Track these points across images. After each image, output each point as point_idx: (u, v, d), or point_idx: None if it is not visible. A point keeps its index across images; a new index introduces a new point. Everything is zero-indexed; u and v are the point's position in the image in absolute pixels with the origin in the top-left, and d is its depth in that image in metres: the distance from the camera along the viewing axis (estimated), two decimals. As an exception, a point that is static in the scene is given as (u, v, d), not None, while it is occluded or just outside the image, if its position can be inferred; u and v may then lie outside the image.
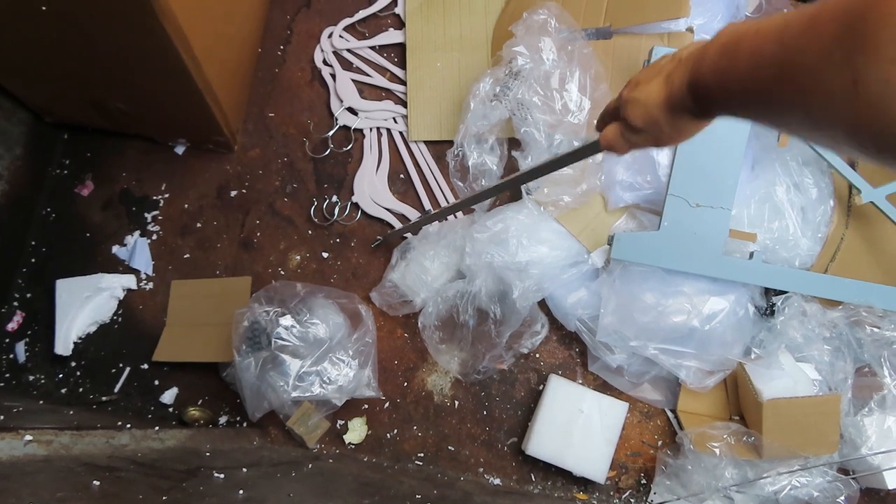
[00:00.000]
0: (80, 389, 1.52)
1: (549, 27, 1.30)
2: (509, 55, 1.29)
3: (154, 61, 1.22)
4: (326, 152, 1.56)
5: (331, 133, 1.56)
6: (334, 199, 1.54)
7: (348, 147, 1.56)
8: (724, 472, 1.23)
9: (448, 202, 1.50)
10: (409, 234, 1.45)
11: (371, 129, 1.55)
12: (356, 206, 1.52)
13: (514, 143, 1.35)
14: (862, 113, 0.37)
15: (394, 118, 1.55)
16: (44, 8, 1.10)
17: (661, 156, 1.33)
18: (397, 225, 1.50)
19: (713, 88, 0.55)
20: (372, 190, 1.52)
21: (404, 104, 1.54)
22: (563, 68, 1.28)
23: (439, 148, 1.52)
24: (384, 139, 1.54)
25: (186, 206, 1.59)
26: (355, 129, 1.55)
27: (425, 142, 1.53)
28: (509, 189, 1.14)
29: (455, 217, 1.49)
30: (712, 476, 1.23)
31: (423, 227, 1.40)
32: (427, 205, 1.51)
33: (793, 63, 0.42)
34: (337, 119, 1.55)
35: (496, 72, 1.31)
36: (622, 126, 0.69)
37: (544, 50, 1.27)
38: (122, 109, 1.45)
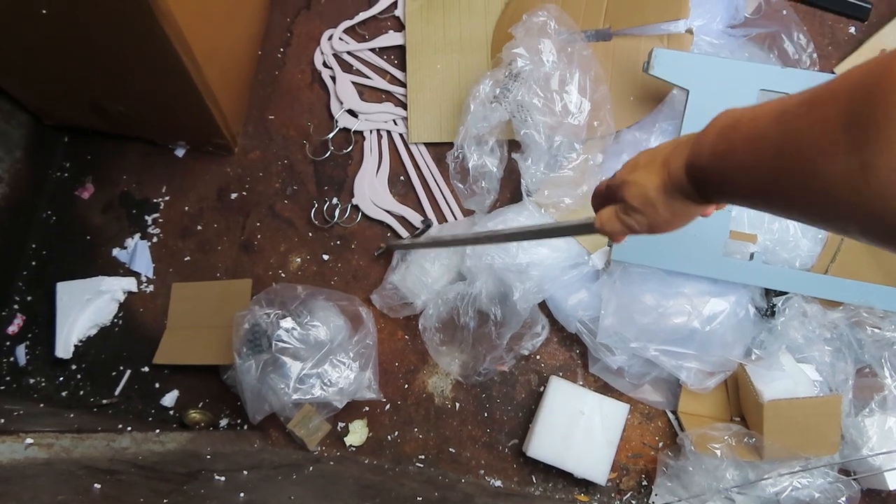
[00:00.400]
0: (81, 392, 1.52)
1: (548, 29, 1.30)
2: (509, 57, 1.29)
3: (154, 64, 1.22)
4: (326, 154, 1.56)
5: (331, 135, 1.56)
6: (334, 201, 1.54)
7: (348, 149, 1.56)
8: (725, 473, 1.23)
9: (448, 204, 1.50)
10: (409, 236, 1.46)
11: (371, 132, 1.55)
12: (356, 208, 1.52)
13: (514, 145, 1.36)
14: (872, 201, 0.36)
15: (394, 120, 1.55)
16: (44, 11, 1.10)
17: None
18: (398, 227, 1.50)
19: (710, 173, 0.54)
20: (372, 192, 1.52)
21: (404, 106, 1.54)
22: (563, 70, 1.28)
23: (439, 150, 1.52)
24: (384, 141, 1.54)
25: (187, 208, 1.59)
26: (355, 132, 1.56)
27: (425, 144, 1.53)
28: (503, 241, 1.17)
29: (455, 218, 1.49)
30: (713, 477, 1.23)
31: (423, 237, 1.40)
32: (427, 206, 1.51)
33: (792, 148, 0.41)
34: (337, 121, 1.55)
35: (496, 73, 1.31)
36: (619, 208, 0.68)
37: (544, 52, 1.27)
38: (122, 112, 1.45)
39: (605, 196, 0.71)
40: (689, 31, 1.33)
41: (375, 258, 1.51)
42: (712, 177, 0.54)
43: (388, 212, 1.51)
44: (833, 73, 1.43)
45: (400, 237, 1.50)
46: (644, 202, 0.63)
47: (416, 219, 1.50)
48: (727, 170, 0.51)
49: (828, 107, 0.38)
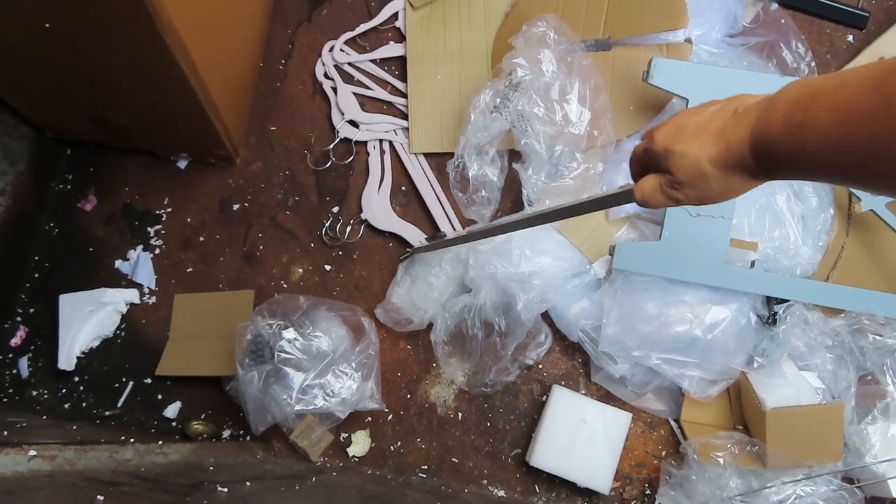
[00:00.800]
0: (84, 404, 1.53)
1: (548, 39, 1.30)
2: (509, 67, 1.30)
3: (157, 77, 1.23)
4: (328, 165, 1.56)
5: (332, 146, 1.56)
6: (340, 217, 1.54)
7: (349, 159, 1.56)
8: (728, 481, 1.22)
9: (448, 214, 1.50)
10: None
11: (374, 147, 1.55)
12: (364, 222, 1.52)
13: (515, 155, 1.36)
14: None
15: (395, 130, 1.56)
16: (47, 25, 1.11)
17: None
18: (407, 237, 1.50)
19: (784, 148, 0.50)
20: (379, 208, 1.52)
21: (405, 117, 1.55)
22: (563, 80, 1.29)
23: (440, 160, 1.53)
24: (387, 156, 1.55)
25: (189, 219, 1.59)
26: (357, 142, 1.56)
27: (426, 154, 1.54)
28: (531, 226, 1.11)
29: (454, 229, 1.49)
30: (717, 486, 1.22)
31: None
32: (432, 217, 1.51)
33: None
34: (338, 132, 1.56)
35: (496, 84, 1.32)
36: (664, 179, 0.63)
37: (544, 62, 1.28)
38: (124, 124, 1.45)
39: (645, 162, 0.66)
40: (688, 41, 1.34)
41: (377, 267, 1.51)
42: (787, 152, 0.50)
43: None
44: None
45: (409, 245, 1.49)
46: (696, 176, 0.59)
47: (417, 234, 1.50)
48: (807, 144, 0.48)
49: None
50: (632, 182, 0.70)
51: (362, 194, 1.54)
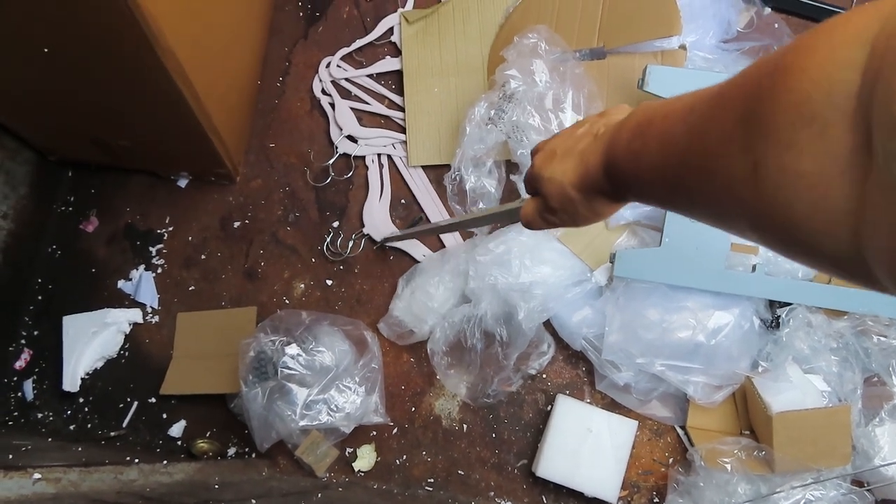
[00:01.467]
0: (89, 425, 1.53)
1: (539, 50, 1.31)
2: (502, 79, 1.30)
3: (155, 99, 1.23)
4: (327, 180, 1.57)
5: (331, 161, 1.57)
6: (341, 232, 1.54)
7: (349, 174, 1.57)
8: (736, 487, 1.22)
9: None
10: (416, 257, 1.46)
11: (373, 161, 1.56)
12: (364, 236, 1.53)
13: (512, 166, 1.37)
14: (762, 202, 0.34)
15: (393, 144, 1.56)
16: (46, 50, 1.12)
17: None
18: (409, 250, 1.50)
19: (626, 171, 0.50)
20: (381, 222, 1.52)
21: (403, 130, 1.55)
22: (557, 89, 1.29)
23: (438, 172, 1.53)
24: (385, 169, 1.55)
25: (190, 238, 1.60)
26: (355, 157, 1.57)
27: (424, 166, 1.54)
28: (456, 230, 1.24)
29: (454, 239, 1.50)
30: (725, 492, 1.22)
31: (418, 237, 1.44)
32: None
33: (697, 146, 0.40)
34: (337, 147, 1.57)
35: (490, 96, 1.32)
36: (540, 205, 0.63)
37: (536, 72, 1.29)
38: (125, 146, 1.46)
39: (531, 183, 0.66)
40: (683, 48, 1.34)
41: (379, 281, 1.51)
42: (630, 178, 0.50)
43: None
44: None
45: (413, 259, 1.50)
46: (564, 201, 0.59)
47: (419, 247, 1.50)
48: (641, 170, 0.48)
49: (728, 104, 0.37)
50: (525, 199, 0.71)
51: (363, 209, 1.54)
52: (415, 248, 1.50)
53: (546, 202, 0.62)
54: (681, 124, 0.42)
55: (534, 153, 0.66)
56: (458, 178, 1.35)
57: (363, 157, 1.57)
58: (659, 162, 0.45)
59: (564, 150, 0.59)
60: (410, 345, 1.47)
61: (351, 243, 1.53)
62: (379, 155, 1.56)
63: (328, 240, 1.54)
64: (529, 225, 0.67)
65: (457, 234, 1.51)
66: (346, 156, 1.57)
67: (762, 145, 0.33)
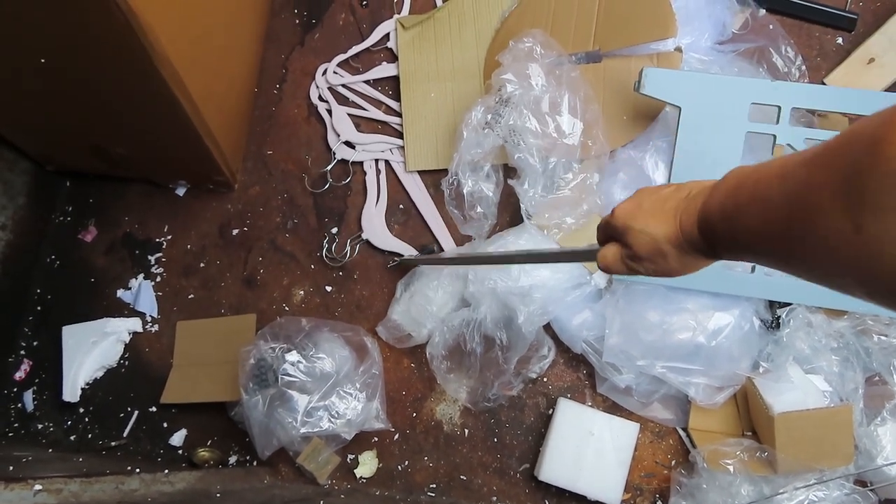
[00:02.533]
0: (89, 436, 1.52)
1: (534, 54, 1.31)
2: (498, 83, 1.31)
3: (153, 107, 1.24)
4: (325, 187, 1.57)
5: (329, 167, 1.57)
6: (338, 238, 1.54)
7: (347, 180, 1.57)
8: (739, 489, 1.21)
9: (446, 231, 1.51)
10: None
11: (371, 167, 1.56)
12: (362, 240, 1.53)
13: (510, 171, 1.36)
14: (868, 261, 0.37)
15: (391, 149, 1.56)
16: (43, 61, 1.12)
17: (657, 174, 1.34)
18: (406, 255, 1.50)
19: (721, 233, 0.54)
20: (379, 226, 1.52)
21: (401, 135, 1.55)
22: (553, 92, 1.29)
23: (436, 176, 1.53)
24: (383, 175, 1.55)
25: (189, 246, 1.60)
26: (353, 162, 1.57)
27: (421, 171, 1.54)
28: (507, 263, 1.22)
29: (451, 243, 1.49)
30: (728, 494, 1.21)
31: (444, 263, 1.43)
32: (429, 232, 1.51)
33: (798, 212, 0.43)
34: (335, 153, 1.57)
35: (487, 100, 1.32)
36: (625, 253, 0.67)
37: (532, 76, 1.29)
38: (122, 154, 1.46)
39: (607, 232, 0.70)
40: (678, 50, 1.35)
41: (378, 287, 1.51)
42: (724, 237, 0.54)
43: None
44: (823, 83, 1.44)
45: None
46: (655, 253, 0.63)
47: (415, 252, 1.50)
48: (737, 231, 0.52)
49: (825, 170, 0.40)
50: (597, 245, 0.75)
51: (361, 214, 1.54)
52: (411, 252, 1.50)
53: (632, 251, 0.65)
54: (776, 190, 0.45)
55: (612, 218, 0.69)
56: (455, 183, 1.35)
57: (361, 163, 1.57)
58: (757, 226, 0.48)
59: (652, 205, 0.64)
60: (411, 350, 1.47)
61: (347, 248, 1.53)
62: (377, 160, 1.56)
63: (326, 246, 1.54)
64: (608, 269, 0.70)
65: (449, 236, 1.50)
66: (343, 162, 1.57)
67: (864, 210, 0.36)
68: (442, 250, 1.50)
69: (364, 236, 1.52)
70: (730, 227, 0.53)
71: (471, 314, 1.35)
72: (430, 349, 1.40)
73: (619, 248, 0.68)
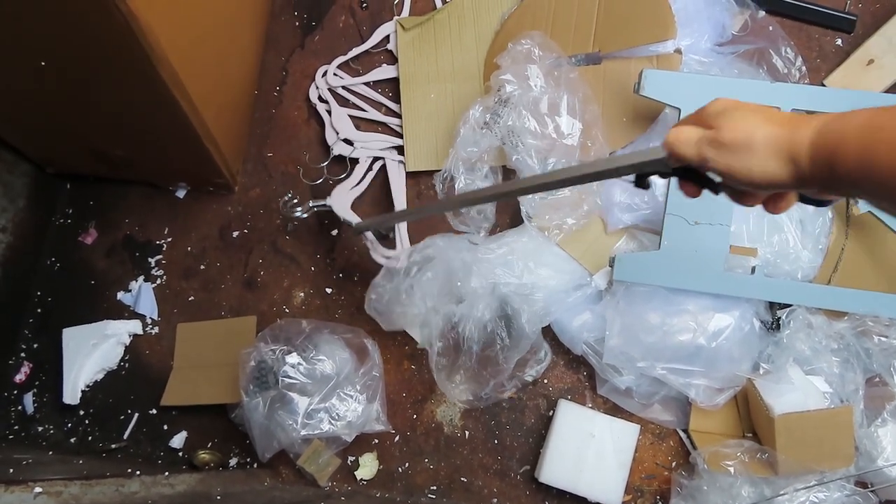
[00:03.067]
0: (90, 438, 1.52)
1: (533, 55, 1.32)
2: (497, 84, 1.31)
3: (153, 109, 1.24)
4: (320, 180, 1.56)
5: (326, 163, 1.56)
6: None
7: (342, 176, 1.56)
8: (740, 490, 1.21)
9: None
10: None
11: (367, 160, 1.55)
12: (324, 206, 1.48)
13: (508, 172, 1.36)
14: None
15: (389, 149, 1.56)
16: (43, 63, 1.12)
17: (656, 175, 1.34)
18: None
19: (852, 164, 0.51)
20: (346, 200, 1.48)
21: (400, 136, 1.55)
22: (552, 93, 1.29)
23: (429, 182, 1.52)
24: (371, 173, 1.54)
25: (189, 248, 1.60)
26: (351, 159, 1.56)
27: (422, 172, 1.54)
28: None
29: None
30: (729, 495, 1.21)
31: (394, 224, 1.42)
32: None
33: None
34: (333, 148, 1.55)
35: (486, 100, 1.32)
36: (706, 133, 0.59)
37: (531, 77, 1.29)
38: (122, 156, 1.47)
39: (693, 119, 0.63)
40: (678, 51, 1.35)
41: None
42: (854, 170, 0.51)
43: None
44: (823, 84, 1.44)
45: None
46: (742, 144, 0.56)
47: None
48: (873, 170, 0.49)
49: None
50: (659, 147, 0.66)
51: (336, 188, 1.50)
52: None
53: (720, 133, 0.58)
54: None
55: (710, 104, 0.62)
56: (448, 178, 1.34)
57: (359, 160, 1.56)
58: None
59: (760, 107, 0.58)
60: (411, 352, 1.47)
61: (302, 209, 1.47)
62: (374, 160, 1.56)
63: (283, 202, 1.48)
64: (674, 147, 0.62)
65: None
66: (342, 161, 1.57)
67: None
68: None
69: (328, 202, 1.47)
70: (865, 163, 0.49)
71: (468, 310, 1.34)
72: (428, 347, 1.38)
73: (699, 129, 0.61)
